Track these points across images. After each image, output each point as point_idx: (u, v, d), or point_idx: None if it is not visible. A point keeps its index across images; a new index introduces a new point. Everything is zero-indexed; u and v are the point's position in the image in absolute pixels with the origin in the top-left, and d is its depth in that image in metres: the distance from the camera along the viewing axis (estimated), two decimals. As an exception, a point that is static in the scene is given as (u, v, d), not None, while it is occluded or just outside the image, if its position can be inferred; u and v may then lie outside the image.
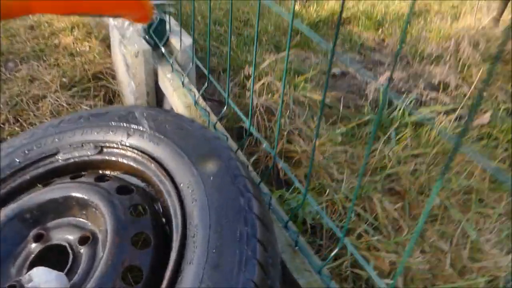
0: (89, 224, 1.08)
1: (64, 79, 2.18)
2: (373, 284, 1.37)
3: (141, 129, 1.18)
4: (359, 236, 1.55)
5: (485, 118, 2.33)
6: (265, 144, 1.15)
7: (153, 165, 1.12)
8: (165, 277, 0.89)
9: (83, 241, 1.03)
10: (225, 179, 1.01)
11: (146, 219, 1.02)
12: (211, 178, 1.01)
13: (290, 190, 1.60)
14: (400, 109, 2.16)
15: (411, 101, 2.21)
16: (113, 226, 0.98)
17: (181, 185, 1.04)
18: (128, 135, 1.19)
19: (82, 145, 1.23)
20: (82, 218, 1.09)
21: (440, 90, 2.25)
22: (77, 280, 0.95)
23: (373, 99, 2.32)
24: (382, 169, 1.86)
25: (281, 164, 1.12)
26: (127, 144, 1.18)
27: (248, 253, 0.88)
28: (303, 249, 1.12)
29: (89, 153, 1.21)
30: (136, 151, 1.16)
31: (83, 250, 1.01)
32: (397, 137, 2.00)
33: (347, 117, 2.19)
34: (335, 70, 2.61)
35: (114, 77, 2.23)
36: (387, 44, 3.02)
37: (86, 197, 1.06)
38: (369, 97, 2.26)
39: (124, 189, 1.10)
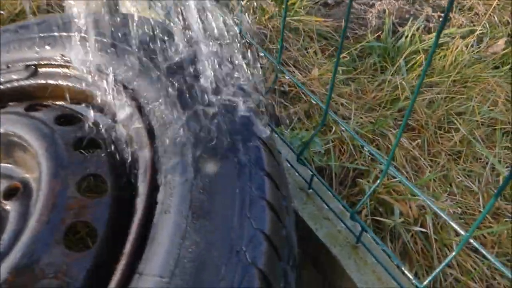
0: (19, 170, 0.75)
1: None
2: (399, 233, 1.11)
3: (91, 38, 0.84)
4: (375, 178, 1.28)
5: (499, 45, 2.05)
6: (263, 53, 0.83)
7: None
8: (130, 235, 0.59)
9: (8, 194, 0.71)
10: (211, 93, 0.69)
11: (99, 156, 0.70)
12: (191, 92, 0.69)
13: (290, 128, 1.30)
14: (407, 36, 1.85)
15: (418, 27, 1.90)
16: (50, 166, 0.66)
17: (149, 107, 0.72)
18: (72, 47, 0.85)
19: (8, 67, 0.88)
20: (9, 163, 0.77)
21: (453, 12, 1.95)
22: (1, 248, 0.64)
23: (374, 27, 2.00)
24: (394, 102, 1.57)
25: (287, 76, 0.81)
26: (70, 59, 0.84)
27: (252, 191, 0.59)
28: (320, 191, 0.83)
29: (17, 76, 0.87)
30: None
31: (9, 206, 0.70)
32: (408, 66, 1.71)
33: (347, 47, 1.87)
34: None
35: None
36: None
37: (10, 132, 0.73)
38: (371, 23, 1.94)
39: (66, 118, 0.77)
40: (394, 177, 1.29)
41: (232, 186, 0.59)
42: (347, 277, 0.74)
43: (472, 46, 1.82)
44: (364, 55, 1.87)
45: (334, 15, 2.15)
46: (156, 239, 0.56)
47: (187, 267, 0.52)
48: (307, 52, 1.75)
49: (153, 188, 0.63)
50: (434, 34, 1.84)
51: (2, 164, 0.76)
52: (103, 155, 0.70)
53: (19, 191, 0.71)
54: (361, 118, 1.48)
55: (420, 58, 1.66)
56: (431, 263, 1.09)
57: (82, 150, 0.72)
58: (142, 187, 0.65)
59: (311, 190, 0.84)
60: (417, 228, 1.10)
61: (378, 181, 0.66)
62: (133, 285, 0.54)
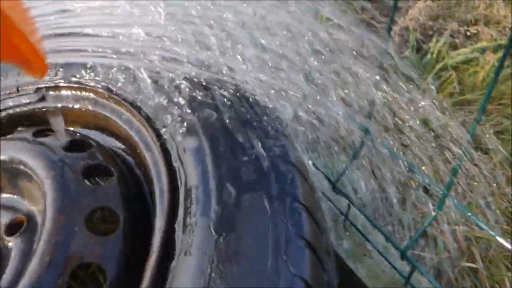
0: (24, 202, 0.68)
1: None
2: (444, 268, 0.99)
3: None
4: (412, 206, 1.17)
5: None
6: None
7: (124, 109, 0.72)
8: (144, 279, 0.51)
9: (12, 229, 0.64)
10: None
11: (111, 186, 0.63)
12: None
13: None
14: (433, 53, 1.77)
15: (444, 43, 1.81)
16: (56, 198, 0.59)
17: (165, 130, 0.64)
18: (87, 69, 0.79)
19: (18, 90, 0.82)
20: (14, 194, 0.70)
21: (481, 25, 1.86)
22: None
23: (398, 45, 1.92)
24: (426, 122, 1.47)
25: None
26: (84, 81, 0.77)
27: (288, 228, 0.50)
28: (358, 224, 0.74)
29: (27, 100, 0.81)
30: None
31: (12, 242, 0.62)
32: (436, 84, 1.61)
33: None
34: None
35: None
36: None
37: (15, 159, 0.67)
38: (394, 41, 1.86)
39: (77, 144, 0.70)
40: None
41: (262, 221, 0.50)
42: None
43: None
44: (391, 74, 1.78)
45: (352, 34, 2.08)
46: (175, 286, 0.47)
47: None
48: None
49: (172, 224, 0.54)
50: (462, 50, 1.76)
51: (5, 195, 0.69)
52: (115, 185, 0.63)
53: (23, 226, 0.64)
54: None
55: (450, 76, 1.57)
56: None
57: (93, 178, 0.65)
58: (159, 222, 0.56)
59: (347, 222, 0.75)
60: (465, 264, 0.98)
61: (434, 213, 0.56)
62: None
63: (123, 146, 0.73)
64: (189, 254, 0.49)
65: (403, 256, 0.62)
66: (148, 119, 0.66)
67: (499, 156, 1.36)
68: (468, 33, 1.81)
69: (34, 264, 0.53)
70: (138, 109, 0.68)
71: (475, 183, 1.28)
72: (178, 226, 0.52)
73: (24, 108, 0.81)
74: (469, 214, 0.54)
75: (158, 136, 0.64)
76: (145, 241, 0.57)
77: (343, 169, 0.77)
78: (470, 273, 0.98)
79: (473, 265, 0.98)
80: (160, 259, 0.51)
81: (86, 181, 0.63)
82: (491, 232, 0.51)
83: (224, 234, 0.49)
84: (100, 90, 0.73)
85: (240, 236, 0.49)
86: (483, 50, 1.71)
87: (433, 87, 1.61)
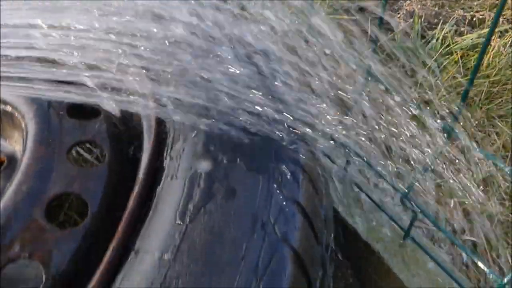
0: (5, 144, 0.65)
1: None
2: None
3: None
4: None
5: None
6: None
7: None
8: (128, 207, 0.47)
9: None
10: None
11: (97, 123, 0.59)
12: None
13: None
14: (438, 39, 1.74)
15: (449, 30, 1.78)
16: (37, 131, 0.55)
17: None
18: None
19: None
20: (-4, 135, 0.66)
21: (486, 11, 1.83)
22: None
23: (402, 31, 1.89)
24: (429, 103, 1.44)
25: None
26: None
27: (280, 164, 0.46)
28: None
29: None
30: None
31: (-9, 180, 0.59)
32: (441, 68, 1.58)
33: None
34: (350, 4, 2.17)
35: None
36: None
37: (-2, 98, 0.63)
38: (399, 26, 1.84)
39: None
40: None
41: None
42: None
43: (510, 46, 1.68)
44: (392, 58, 1.76)
45: (357, 21, 2.06)
46: (159, 208, 0.44)
47: (196, 241, 0.39)
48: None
49: (158, 154, 0.51)
50: (468, 36, 1.73)
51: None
52: (101, 121, 0.59)
53: (3, 165, 0.60)
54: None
55: (455, 56, 1.54)
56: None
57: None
58: (145, 154, 0.53)
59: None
60: (466, 237, 0.94)
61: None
62: (127, 266, 0.41)
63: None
64: (175, 178, 0.45)
65: (404, 199, 0.59)
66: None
67: (503, 139, 1.33)
68: (474, 19, 1.78)
69: (9, 192, 0.50)
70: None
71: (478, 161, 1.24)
72: (166, 153, 0.49)
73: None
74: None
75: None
76: (130, 176, 0.54)
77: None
78: (470, 246, 0.94)
79: (473, 239, 0.94)
80: (144, 187, 0.47)
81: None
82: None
83: (212, 160, 0.45)
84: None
85: (230, 160, 0.45)
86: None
87: (436, 69, 1.58)
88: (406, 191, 0.59)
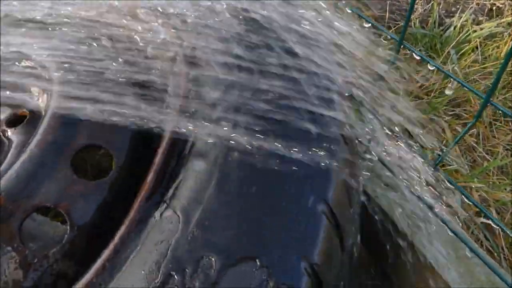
0: (33, 98, 0.64)
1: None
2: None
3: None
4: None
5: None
6: None
7: None
8: (157, 157, 0.46)
9: (12, 122, 0.59)
10: None
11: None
12: None
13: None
14: (455, 27, 1.71)
15: (467, 19, 1.75)
16: (63, 81, 0.54)
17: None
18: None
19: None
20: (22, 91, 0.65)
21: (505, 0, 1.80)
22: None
23: (419, 18, 1.86)
24: (444, 91, 1.42)
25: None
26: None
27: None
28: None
29: None
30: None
31: (12, 134, 0.58)
32: (459, 55, 1.56)
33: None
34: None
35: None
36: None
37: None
38: (416, 13, 1.81)
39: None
40: (449, 164, 1.13)
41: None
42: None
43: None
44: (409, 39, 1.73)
45: (374, 6, 2.03)
46: (193, 157, 0.43)
47: (231, 192, 0.39)
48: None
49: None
50: (487, 24, 1.70)
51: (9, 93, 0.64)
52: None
53: (25, 119, 0.59)
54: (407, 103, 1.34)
55: (474, 43, 1.51)
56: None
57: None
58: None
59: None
60: (482, 220, 0.93)
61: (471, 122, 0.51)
62: (156, 217, 0.40)
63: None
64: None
65: (435, 168, 0.57)
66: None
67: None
68: (494, 8, 1.75)
69: (35, 141, 0.49)
70: None
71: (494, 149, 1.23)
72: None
73: None
74: None
75: None
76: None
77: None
78: (485, 232, 0.94)
79: (489, 222, 0.93)
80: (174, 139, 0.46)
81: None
82: None
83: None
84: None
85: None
86: (508, 25, 1.66)
87: (454, 56, 1.56)
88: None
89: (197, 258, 0.36)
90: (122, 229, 0.44)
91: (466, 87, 0.62)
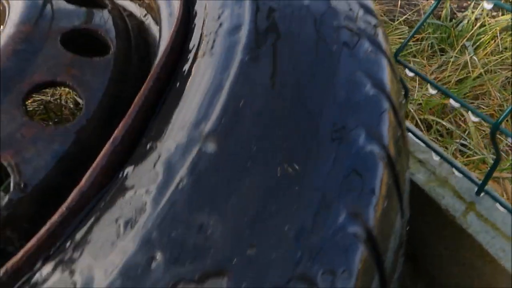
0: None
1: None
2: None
3: None
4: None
5: None
6: None
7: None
8: (146, 84, 0.34)
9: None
10: None
11: (102, 12, 0.46)
12: None
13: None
14: (469, 20, 1.62)
15: (481, 12, 1.66)
16: (21, 9, 0.42)
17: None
18: None
19: None
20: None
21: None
22: None
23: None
24: (461, 82, 1.31)
25: None
26: None
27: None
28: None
29: None
30: None
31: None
32: (475, 46, 1.46)
33: (399, 29, 1.64)
34: (374, -14, 2.06)
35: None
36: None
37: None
38: (429, 4, 1.72)
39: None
40: (473, 155, 1.02)
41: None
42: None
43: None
44: (420, 38, 1.63)
45: (382, 0, 1.94)
46: (188, 89, 0.30)
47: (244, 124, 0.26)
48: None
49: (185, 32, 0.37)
50: (503, 17, 1.61)
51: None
52: (107, 13, 0.46)
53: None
54: (425, 94, 1.23)
55: (490, 35, 1.42)
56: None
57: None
58: (163, 46, 0.40)
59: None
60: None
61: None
62: (140, 155, 0.28)
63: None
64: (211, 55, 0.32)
65: (494, 132, 0.46)
66: None
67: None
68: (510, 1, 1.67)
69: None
70: None
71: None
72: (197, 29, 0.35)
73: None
74: None
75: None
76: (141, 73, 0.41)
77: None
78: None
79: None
80: (168, 61, 0.34)
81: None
82: None
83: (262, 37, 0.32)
84: None
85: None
86: (526, 17, 1.56)
87: (470, 47, 1.46)
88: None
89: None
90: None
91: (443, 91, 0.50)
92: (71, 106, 0.70)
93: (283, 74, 0.28)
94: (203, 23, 0.36)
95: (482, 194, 0.51)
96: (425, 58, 1.48)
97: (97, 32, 0.43)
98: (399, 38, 1.48)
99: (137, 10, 0.51)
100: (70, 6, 0.45)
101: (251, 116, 0.26)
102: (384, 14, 1.78)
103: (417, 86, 1.24)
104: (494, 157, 0.51)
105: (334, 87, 0.27)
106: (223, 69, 0.30)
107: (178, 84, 0.32)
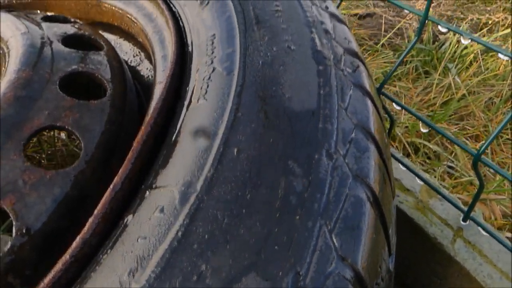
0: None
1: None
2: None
3: None
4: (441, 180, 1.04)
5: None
6: None
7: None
8: (139, 138, 0.35)
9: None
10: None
11: (98, 54, 0.48)
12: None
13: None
14: (451, 42, 1.68)
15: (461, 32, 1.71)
16: (21, 54, 0.43)
17: None
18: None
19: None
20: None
21: (501, 14, 1.78)
22: None
23: (414, 33, 1.83)
24: (446, 104, 1.35)
25: None
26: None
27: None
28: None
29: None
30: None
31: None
32: (457, 68, 1.51)
33: (384, 53, 1.69)
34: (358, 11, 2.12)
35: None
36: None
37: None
38: (412, 28, 1.77)
39: (57, 19, 0.55)
40: (460, 177, 1.04)
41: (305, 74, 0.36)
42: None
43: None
44: (404, 61, 1.68)
45: (366, 25, 2.00)
46: (182, 137, 0.32)
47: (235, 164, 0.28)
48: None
49: (176, 82, 0.39)
50: (484, 39, 1.67)
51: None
52: (104, 55, 0.48)
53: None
54: (410, 118, 1.26)
55: (472, 56, 1.47)
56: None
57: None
58: (159, 88, 0.41)
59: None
60: (508, 234, 0.83)
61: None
62: (140, 202, 0.29)
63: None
64: (204, 100, 0.33)
65: (476, 162, 0.48)
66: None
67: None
68: (490, 22, 1.73)
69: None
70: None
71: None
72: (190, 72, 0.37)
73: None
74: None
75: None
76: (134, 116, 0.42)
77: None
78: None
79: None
80: (164, 106, 0.35)
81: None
82: None
83: (252, 80, 0.34)
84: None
85: (276, 81, 0.34)
86: (504, 39, 1.63)
87: (453, 69, 1.51)
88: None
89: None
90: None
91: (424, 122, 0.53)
92: (64, 137, 0.71)
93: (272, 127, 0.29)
94: (197, 69, 0.37)
95: (468, 221, 0.53)
96: (410, 81, 1.52)
97: (94, 75, 0.45)
98: (384, 63, 1.52)
99: (131, 49, 0.53)
100: (67, 50, 0.46)
101: (245, 164, 0.28)
102: (369, 38, 1.84)
103: (403, 110, 1.28)
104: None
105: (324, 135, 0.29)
106: (217, 116, 0.31)
107: (174, 129, 0.33)
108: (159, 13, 0.49)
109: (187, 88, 0.37)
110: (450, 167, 1.06)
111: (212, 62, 0.37)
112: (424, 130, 0.58)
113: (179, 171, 0.29)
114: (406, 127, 1.21)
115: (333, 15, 0.42)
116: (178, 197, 0.27)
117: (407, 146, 1.12)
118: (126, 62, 0.57)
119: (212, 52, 0.38)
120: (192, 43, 0.41)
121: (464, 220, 0.53)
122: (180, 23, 0.45)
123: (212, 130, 0.30)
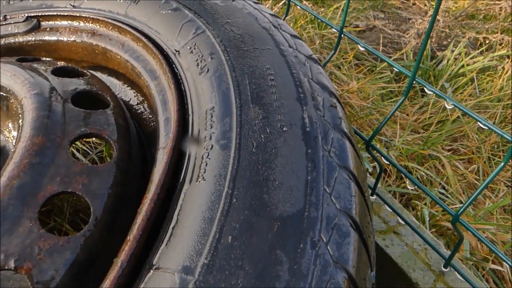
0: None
1: None
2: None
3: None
4: (432, 203, 1.07)
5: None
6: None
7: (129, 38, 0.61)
8: (139, 215, 0.39)
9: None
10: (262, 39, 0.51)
11: (106, 114, 0.51)
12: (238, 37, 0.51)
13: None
14: (449, 60, 1.71)
15: (460, 52, 1.75)
16: (34, 118, 0.47)
17: (177, 54, 0.53)
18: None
19: (5, 18, 0.71)
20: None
21: (498, 34, 1.80)
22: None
23: (412, 50, 1.86)
24: (441, 125, 1.39)
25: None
26: (83, 8, 0.67)
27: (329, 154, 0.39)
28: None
29: (17, 30, 0.70)
30: (97, 16, 0.65)
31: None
32: (453, 88, 1.54)
33: (382, 70, 1.72)
34: (359, 23, 2.15)
35: None
36: (414, 3, 2.59)
37: (-9, 80, 0.55)
38: (410, 44, 1.80)
39: (66, 71, 0.59)
40: (451, 203, 1.08)
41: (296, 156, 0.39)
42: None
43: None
44: (402, 78, 1.71)
45: (366, 38, 2.03)
46: (183, 217, 0.35)
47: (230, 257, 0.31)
48: (341, 66, 1.60)
49: (178, 155, 0.43)
50: (480, 58, 1.70)
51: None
52: (111, 113, 0.51)
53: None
54: (406, 139, 1.29)
55: (467, 78, 1.50)
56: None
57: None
58: (162, 154, 0.45)
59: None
60: (493, 266, 0.87)
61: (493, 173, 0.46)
62: (142, 286, 0.32)
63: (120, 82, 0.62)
64: (203, 180, 0.37)
65: (455, 222, 0.51)
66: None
67: (520, 164, 1.27)
68: (487, 41, 1.76)
69: (-2, 187, 0.41)
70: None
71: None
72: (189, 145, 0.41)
73: (12, 40, 0.70)
74: None
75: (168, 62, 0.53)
76: (140, 177, 0.46)
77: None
78: (495, 277, 0.87)
79: (499, 268, 0.87)
80: (161, 191, 0.39)
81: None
82: None
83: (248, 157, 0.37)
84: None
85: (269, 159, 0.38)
86: (500, 59, 1.65)
87: (449, 89, 1.54)
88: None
89: None
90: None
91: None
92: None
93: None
94: (197, 143, 0.41)
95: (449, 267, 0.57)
96: (406, 99, 1.55)
97: (101, 135, 0.48)
98: (383, 83, 1.55)
99: (135, 96, 0.57)
100: (77, 110, 0.50)
101: (238, 252, 0.32)
102: (368, 53, 1.86)
103: (398, 130, 1.31)
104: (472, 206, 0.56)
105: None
106: (214, 199, 0.35)
107: (176, 206, 0.37)
108: (162, 73, 0.52)
109: (188, 165, 0.40)
110: (441, 193, 1.10)
111: (210, 138, 0.40)
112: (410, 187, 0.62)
113: (179, 255, 0.33)
114: (400, 151, 1.24)
115: (325, 88, 0.45)
116: (178, 282, 0.31)
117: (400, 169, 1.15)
118: (131, 108, 0.61)
119: (211, 127, 0.41)
120: (192, 112, 0.45)
121: (445, 266, 0.57)
122: (182, 86, 0.49)
123: (209, 214, 0.34)
